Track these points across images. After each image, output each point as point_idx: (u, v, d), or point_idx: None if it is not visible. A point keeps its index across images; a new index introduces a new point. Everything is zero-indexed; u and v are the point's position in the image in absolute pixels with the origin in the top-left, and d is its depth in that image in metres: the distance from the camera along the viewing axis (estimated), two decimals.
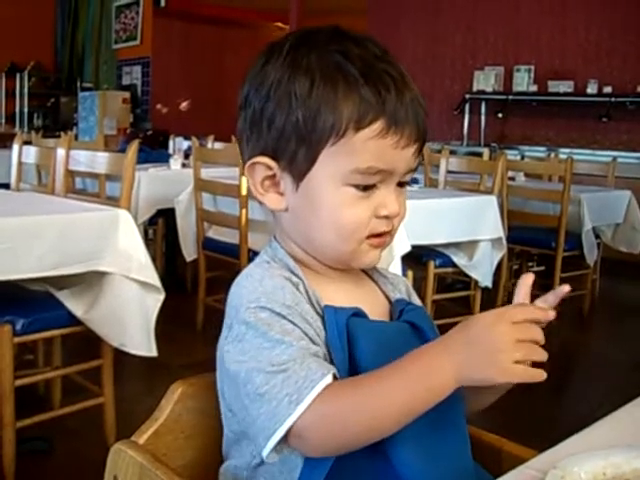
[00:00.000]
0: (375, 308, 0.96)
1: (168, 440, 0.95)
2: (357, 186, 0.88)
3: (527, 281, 0.90)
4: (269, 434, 0.79)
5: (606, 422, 0.87)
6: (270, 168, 0.91)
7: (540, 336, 0.77)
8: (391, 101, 0.84)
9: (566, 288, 0.88)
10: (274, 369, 0.80)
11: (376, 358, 0.84)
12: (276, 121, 0.88)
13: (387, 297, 1.01)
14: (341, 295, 0.94)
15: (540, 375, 0.75)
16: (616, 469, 0.73)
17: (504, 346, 0.75)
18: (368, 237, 0.90)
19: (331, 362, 0.85)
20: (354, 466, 0.84)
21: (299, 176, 0.90)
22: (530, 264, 5.21)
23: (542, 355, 0.76)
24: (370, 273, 1.03)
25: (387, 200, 0.89)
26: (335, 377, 0.81)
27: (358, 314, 0.90)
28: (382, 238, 0.92)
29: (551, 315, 0.79)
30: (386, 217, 0.90)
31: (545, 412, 3.07)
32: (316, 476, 0.83)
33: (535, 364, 0.77)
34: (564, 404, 3.21)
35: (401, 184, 0.92)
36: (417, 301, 1.06)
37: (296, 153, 0.89)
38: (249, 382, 0.81)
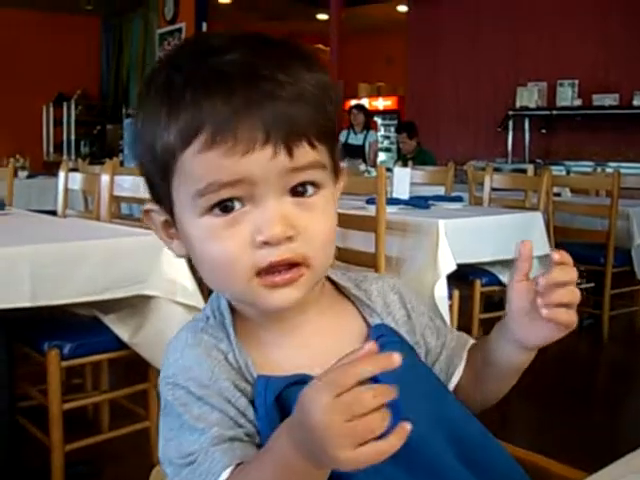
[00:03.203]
0: (344, 347, 0.70)
1: None
2: (212, 211, 0.74)
3: (526, 252, 0.78)
4: None
5: None
6: (160, 213, 0.82)
7: (372, 399, 0.58)
8: (213, 103, 0.70)
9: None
10: (182, 462, 0.75)
11: None
12: (139, 157, 0.80)
13: (366, 321, 0.87)
14: (293, 348, 0.82)
15: (390, 446, 0.58)
16: None
17: (329, 434, 0.58)
18: (259, 274, 0.74)
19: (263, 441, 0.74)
20: None
21: (172, 216, 0.80)
22: (579, 281, 5.10)
23: (381, 426, 0.58)
24: (349, 291, 0.89)
25: (262, 221, 0.72)
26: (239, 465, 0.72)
27: (299, 381, 0.75)
28: (282, 276, 0.74)
29: (389, 361, 0.59)
30: (266, 244, 0.72)
31: (598, 432, 3.00)
32: None
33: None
34: (617, 424, 3.14)
35: (300, 192, 0.74)
36: (416, 304, 0.93)
37: (158, 194, 0.80)
38: (164, 467, 0.79)
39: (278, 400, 0.75)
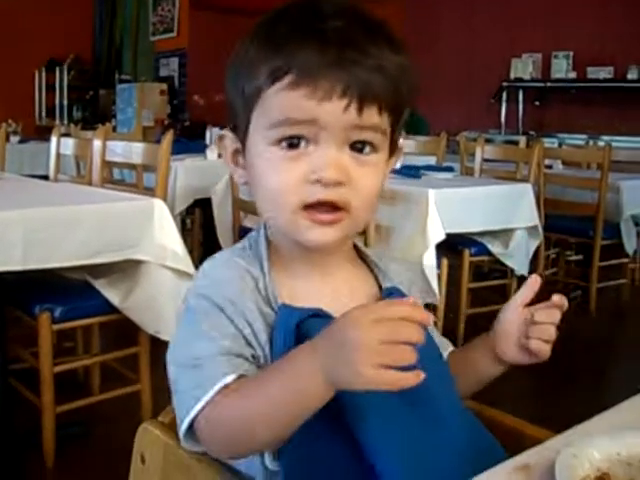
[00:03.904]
0: (359, 299, 0.91)
1: None
2: (280, 144, 0.82)
3: (533, 286, 0.95)
4: (179, 423, 0.81)
5: (626, 406, 0.87)
6: (234, 141, 0.91)
7: (413, 335, 0.67)
8: (307, 53, 0.79)
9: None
10: (187, 363, 0.81)
11: None
12: (228, 92, 0.89)
13: (380, 284, 0.96)
14: (315, 287, 0.90)
15: (407, 380, 0.67)
16: (631, 450, 0.73)
17: (362, 348, 0.67)
18: (305, 208, 0.82)
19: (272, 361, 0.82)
20: (335, 468, 0.82)
21: (243, 146, 0.89)
22: (568, 253, 5.16)
23: (410, 358, 0.67)
24: (368, 258, 0.98)
25: (320, 162, 0.81)
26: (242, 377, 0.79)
27: (319, 314, 0.83)
28: (325, 215, 0.82)
29: (426, 317, 0.69)
30: (318, 182, 0.81)
31: (583, 402, 3.05)
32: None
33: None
34: (603, 393, 3.19)
35: (358, 149, 0.83)
36: (419, 290, 1.03)
37: (237, 122, 0.89)
38: (169, 369, 0.84)
39: (297, 328, 0.82)
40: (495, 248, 3.70)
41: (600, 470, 0.70)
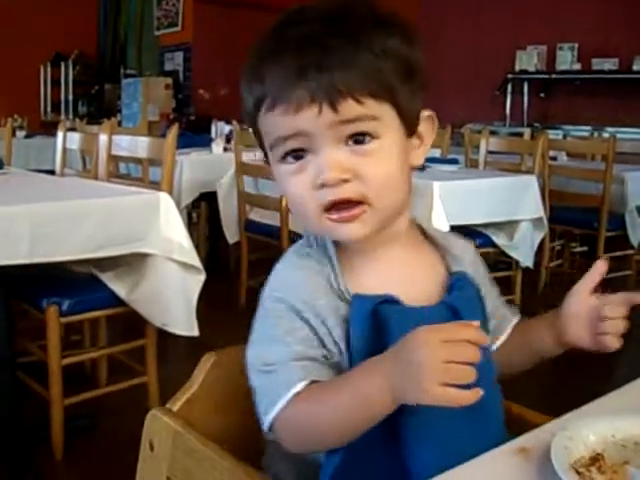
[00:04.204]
0: (426, 284, 0.95)
1: (200, 407, 0.99)
2: (286, 159, 0.87)
3: (600, 269, 0.96)
4: (261, 422, 0.87)
5: (622, 391, 0.89)
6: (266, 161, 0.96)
7: (474, 356, 0.73)
8: (273, 74, 0.84)
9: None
10: (264, 369, 0.87)
11: None
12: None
13: (448, 267, 0.98)
14: (382, 275, 0.93)
15: (468, 398, 0.72)
16: (625, 432, 0.74)
17: (428, 367, 0.72)
18: (326, 210, 0.86)
19: (348, 357, 0.87)
20: (369, 462, 0.87)
21: (267, 160, 0.94)
22: (573, 244, 5.16)
23: (470, 377, 0.72)
24: (436, 240, 1.00)
25: (320, 166, 0.84)
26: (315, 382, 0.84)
27: (389, 300, 0.88)
28: (343, 212, 0.86)
29: (485, 340, 0.76)
30: (324, 185, 0.84)
31: (588, 391, 3.05)
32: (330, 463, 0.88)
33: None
34: (608, 383, 3.19)
35: (359, 141, 0.85)
36: (481, 271, 1.05)
37: (257, 141, 0.95)
38: (249, 370, 0.89)
39: (372, 314, 0.86)
40: (500, 240, 3.71)
41: (594, 451, 0.72)
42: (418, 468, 0.84)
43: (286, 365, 0.85)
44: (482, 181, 3.63)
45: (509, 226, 3.71)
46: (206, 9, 9.35)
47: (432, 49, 8.53)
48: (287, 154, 0.87)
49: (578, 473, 0.68)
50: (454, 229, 3.20)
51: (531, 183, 3.74)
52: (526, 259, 3.75)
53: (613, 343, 0.96)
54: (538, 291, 4.53)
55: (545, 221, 3.84)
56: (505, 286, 3.97)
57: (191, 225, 4.94)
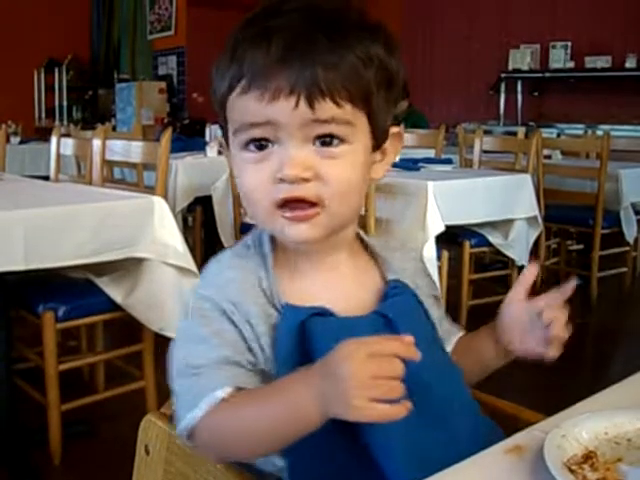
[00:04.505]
0: (362, 293, 0.93)
1: None
2: (248, 147, 0.85)
3: (531, 274, 0.95)
4: (177, 426, 0.84)
5: (615, 388, 0.89)
6: (225, 146, 0.94)
7: (399, 371, 0.71)
8: (254, 57, 0.81)
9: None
10: (188, 371, 0.84)
11: None
12: (211, 96, 0.91)
13: (384, 276, 0.96)
14: (318, 284, 0.91)
15: (396, 413, 0.70)
16: (618, 429, 0.74)
17: (354, 383, 0.70)
18: (280, 207, 0.84)
19: (275, 366, 0.85)
20: (341, 467, 0.85)
21: (227, 146, 0.92)
22: (569, 242, 5.17)
23: (397, 392, 0.70)
24: (374, 249, 0.98)
25: (282, 161, 0.82)
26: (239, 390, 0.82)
27: (322, 313, 0.86)
28: (297, 212, 0.83)
29: (415, 354, 0.72)
30: (282, 181, 0.82)
31: (583, 392, 3.06)
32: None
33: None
34: (604, 381, 3.20)
35: (326, 142, 0.83)
36: (425, 282, 1.02)
37: (223, 132, 0.92)
38: (171, 372, 0.87)
39: (301, 327, 0.84)
40: (495, 239, 3.72)
41: (587, 449, 0.72)
42: (391, 477, 0.83)
43: (211, 369, 0.82)
44: (477, 180, 3.64)
45: (504, 225, 3.72)
46: (199, 13, 9.35)
47: (425, 49, 8.56)
48: (250, 142, 0.84)
49: (571, 471, 0.68)
50: (449, 229, 3.21)
51: (525, 182, 3.74)
52: (521, 258, 3.75)
53: (551, 352, 0.92)
54: (535, 289, 4.52)
55: (540, 219, 3.84)
56: (501, 285, 3.99)
57: (187, 229, 4.93)
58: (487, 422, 0.97)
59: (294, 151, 0.82)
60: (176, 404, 0.85)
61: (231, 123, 0.87)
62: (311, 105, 0.80)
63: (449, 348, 1.03)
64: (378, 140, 0.89)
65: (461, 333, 1.07)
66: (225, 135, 0.91)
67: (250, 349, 0.85)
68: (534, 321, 0.92)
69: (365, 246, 0.99)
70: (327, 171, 0.83)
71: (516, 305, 0.95)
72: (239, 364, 0.83)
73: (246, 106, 0.82)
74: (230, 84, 0.84)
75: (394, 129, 0.92)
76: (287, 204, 0.83)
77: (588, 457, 0.70)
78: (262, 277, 0.88)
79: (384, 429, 0.80)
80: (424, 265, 1.06)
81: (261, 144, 0.84)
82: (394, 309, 0.91)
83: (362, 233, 0.99)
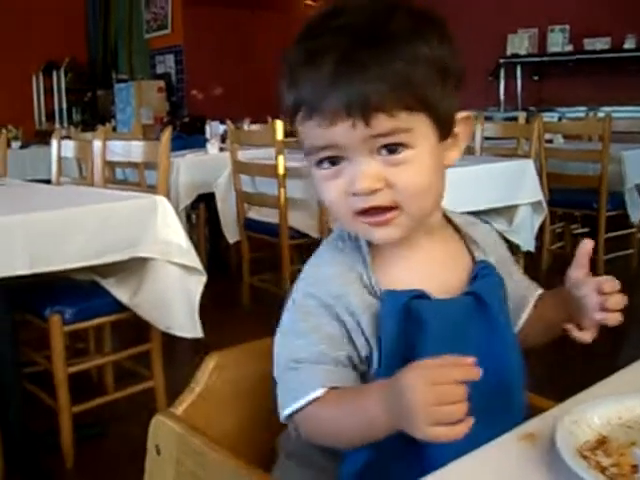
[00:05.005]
0: (453, 275, 0.97)
1: (205, 410, 0.99)
2: (322, 165, 0.89)
3: (587, 248, 0.97)
4: (280, 412, 0.91)
5: (626, 371, 0.88)
6: None
7: (462, 396, 0.73)
8: (308, 84, 0.85)
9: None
10: (288, 365, 0.91)
11: (440, 340, 0.89)
12: None
13: (473, 256, 1.01)
14: (412, 269, 0.95)
15: (458, 434, 0.73)
16: (630, 412, 0.74)
17: (417, 412, 0.74)
18: (360, 214, 0.88)
19: (378, 354, 0.89)
20: (389, 464, 0.91)
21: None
22: (573, 226, 5.15)
23: (459, 415, 0.73)
24: (460, 227, 1.02)
25: (352, 176, 0.86)
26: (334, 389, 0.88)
27: (420, 296, 0.90)
28: (376, 217, 0.88)
29: (477, 375, 0.74)
30: (355, 195, 0.86)
31: (592, 372, 3.05)
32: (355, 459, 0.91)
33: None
34: (612, 363, 3.19)
35: (392, 150, 0.86)
36: (502, 252, 1.07)
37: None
38: (274, 361, 0.94)
39: (402, 309, 0.89)
40: (500, 225, 3.70)
41: (600, 434, 0.71)
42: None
43: (309, 366, 0.89)
44: (479, 167, 3.62)
45: (508, 211, 3.70)
46: (195, 10, 9.34)
47: None
48: (322, 160, 0.89)
49: (584, 457, 0.67)
50: None
51: (528, 167, 3.73)
52: (527, 243, 3.74)
53: (615, 319, 0.96)
54: (541, 274, 4.52)
55: (544, 204, 3.83)
56: None
57: (190, 227, 4.93)
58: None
59: (362, 166, 0.86)
60: (278, 394, 0.92)
61: (303, 143, 0.91)
62: (367, 123, 0.83)
63: (527, 309, 1.07)
64: (445, 130, 0.91)
65: (540, 291, 1.10)
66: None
67: (351, 340, 0.90)
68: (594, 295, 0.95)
69: (452, 225, 1.02)
70: (396, 178, 0.86)
71: (578, 280, 0.98)
72: (335, 360, 0.89)
73: (309, 132, 0.87)
74: (293, 108, 0.89)
75: (462, 114, 0.94)
76: (366, 212, 0.87)
77: (601, 443, 0.70)
78: (361, 270, 0.92)
79: None
80: (498, 234, 1.10)
81: (333, 161, 0.88)
82: (484, 289, 0.95)
83: (448, 212, 1.02)
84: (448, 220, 1.02)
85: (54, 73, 10.25)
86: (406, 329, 0.89)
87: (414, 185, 0.87)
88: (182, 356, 3.23)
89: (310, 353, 0.89)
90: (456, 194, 3.43)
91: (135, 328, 2.59)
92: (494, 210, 3.67)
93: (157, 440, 0.95)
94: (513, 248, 3.88)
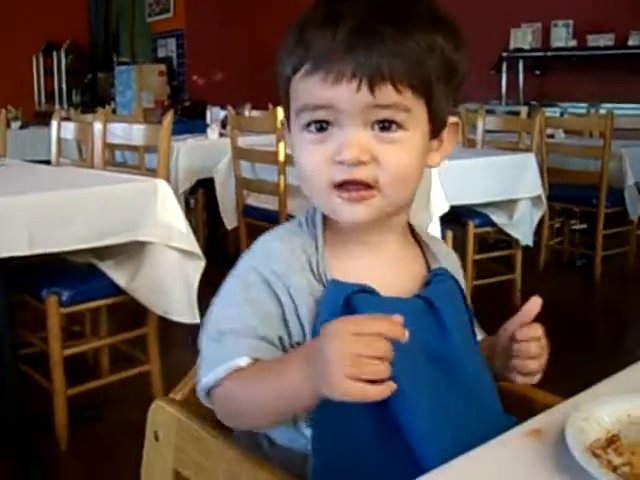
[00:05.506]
0: (406, 277, 0.95)
1: None
2: (309, 128, 0.87)
3: (532, 309, 0.92)
4: (197, 385, 0.89)
5: (634, 368, 0.88)
6: (286, 125, 0.96)
7: (386, 352, 0.70)
8: (320, 41, 0.83)
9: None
10: (215, 335, 0.87)
11: None
12: (274, 76, 0.93)
13: (428, 264, 0.99)
14: (365, 265, 0.93)
15: (379, 392, 0.70)
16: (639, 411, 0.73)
17: (336, 360, 0.70)
18: (336, 187, 0.86)
19: (312, 336, 0.86)
20: (368, 445, 0.86)
21: (288, 126, 0.94)
22: (572, 222, 5.15)
23: (382, 372, 0.70)
24: (421, 238, 1.00)
25: (342, 143, 0.84)
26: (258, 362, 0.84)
27: (366, 290, 0.87)
28: (354, 192, 0.85)
29: (403, 334, 0.71)
30: (342, 162, 0.84)
31: (591, 368, 3.06)
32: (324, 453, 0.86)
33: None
34: (611, 360, 3.20)
35: (385, 127, 0.85)
36: (461, 282, 1.04)
37: (282, 104, 0.94)
38: (202, 331, 0.91)
39: (344, 302, 0.86)
40: (499, 219, 3.70)
41: (610, 432, 0.71)
42: (422, 453, 0.83)
43: (236, 337, 0.85)
44: (480, 160, 3.62)
45: (508, 205, 3.70)
46: None
47: None
48: (311, 123, 0.86)
49: (595, 455, 0.66)
50: (453, 209, 3.19)
51: (529, 161, 3.72)
52: (526, 238, 3.74)
53: (525, 365, 0.93)
54: (538, 269, 4.52)
55: (544, 199, 3.82)
56: (505, 265, 3.98)
57: (189, 211, 4.92)
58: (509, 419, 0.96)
59: (353, 134, 0.84)
60: (200, 363, 0.89)
61: (293, 104, 0.89)
62: (372, 90, 0.81)
63: None
64: (436, 128, 0.91)
65: (481, 336, 1.07)
66: (287, 115, 0.93)
67: (285, 321, 0.87)
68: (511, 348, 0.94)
69: (413, 233, 1.01)
70: (384, 155, 0.84)
71: (508, 332, 0.95)
72: (264, 338, 0.86)
73: (309, 88, 0.85)
74: (295, 66, 0.86)
75: (452, 119, 0.94)
76: (344, 185, 0.85)
77: (612, 441, 0.69)
78: (311, 254, 0.90)
79: (413, 403, 0.83)
80: (460, 265, 1.08)
81: (322, 126, 0.86)
82: (437, 294, 0.92)
83: (413, 223, 1.01)
84: (410, 228, 1.01)
85: (54, 54, 10.21)
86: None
87: (400, 165, 0.85)
88: (179, 341, 3.22)
89: (240, 325, 0.86)
90: (456, 186, 3.45)
91: (132, 312, 2.58)
92: (494, 203, 3.67)
93: (156, 426, 0.94)
94: (512, 242, 3.88)
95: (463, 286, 1.03)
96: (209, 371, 0.85)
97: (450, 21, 0.89)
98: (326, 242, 0.92)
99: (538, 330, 0.92)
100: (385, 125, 0.84)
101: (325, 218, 0.93)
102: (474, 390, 0.91)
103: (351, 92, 0.82)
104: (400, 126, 0.85)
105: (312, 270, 0.89)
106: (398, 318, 0.72)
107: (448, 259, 1.02)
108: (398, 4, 0.86)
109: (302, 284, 0.88)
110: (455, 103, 0.93)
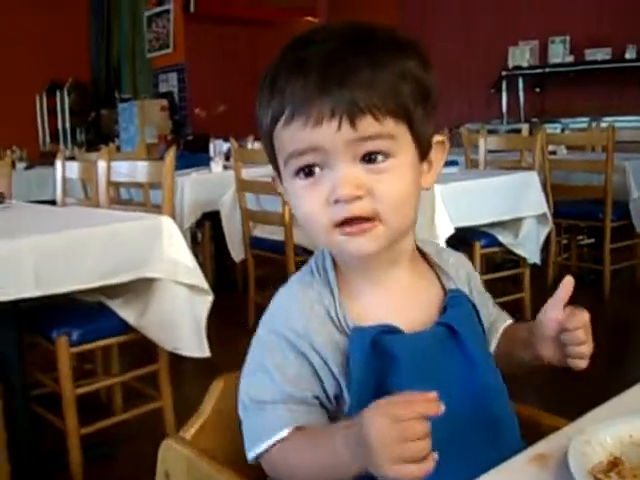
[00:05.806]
0: (424, 306, 0.96)
1: (213, 433, 0.99)
2: (299, 175, 0.88)
3: (568, 286, 0.92)
4: (246, 454, 0.90)
5: (637, 389, 0.88)
6: (276, 177, 0.97)
7: (424, 433, 0.72)
8: (293, 88, 0.84)
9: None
10: (253, 405, 0.89)
11: (412, 375, 0.87)
12: (258, 130, 0.94)
13: (443, 286, 1.00)
14: (382, 302, 0.94)
15: (423, 470, 0.72)
16: None
17: (380, 451, 0.72)
18: (339, 226, 0.87)
19: (348, 391, 0.88)
20: None
21: (279, 176, 0.95)
22: (579, 237, 5.14)
23: (422, 451, 0.72)
24: (430, 257, 1.01)
25: (335, 183, 0.85)
26: (299, 428, 0.87)
27: (389, 330, 0.89)
28: (356, 226, 0.86)
29: (439, 409, 0.72)
30: (338, 201, 0.85)
31: (598, 386, 3.03)
32: None
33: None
34: (621, 375, 3.17)
35: (372, 159, 0.86)
36: (478, 284, 1.06)
37: (269, 156, 0.95)
38: (239, 400, 0.92)
39: (371, 346, 0.87)
40: (505, 238, 3.70)
41: (613, 455, 0.71)
42: None
43: (273, 407, 0.87)
44: (483, 181, 3.63)
45: (514, 224, 3.71)
46: (197, 29, 9.38)
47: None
48: (301, 169, 0.87)
49: (597, 479, 0.67)
50: (459, 231, 3.20)
51: (532, 179, 3.73)
52: (533, 256, 3.74)
53: (576, 364, 0.93)
54: (547, 287, 4.51)
55: (549, 216, 3.83)
56: (514, 284, 3.96)
57: (196, 245, 4.93)
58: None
59: (344, 171, 0.85)
60: (244, 434, 0.90)
61: (280, 154, 0.90)
62: (353, 124, 0.83)
63: (494, 341, 1.06)
64: (422, 150, 0.92)
65: (509, 321, 1.09)
66: (276, 168, 0.94)
67: (319, 377, 0.89)
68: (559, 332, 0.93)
69: (423, 255, 1.02)
70: (378, 187, 0.85)
71: (549, 314, 0.94)
72: (301, 400, 0.88)
73: (292, 135, 0.86)
74: (274, 116, 0.87)
75: (437, 137, 0.96)
76: (345, 223, 0.86)
77: (614, 464, 0.69)
78: (329, 305, 0.91)
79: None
80: (472, 265, 1.09)
81: (310, 170, 0.87)
82: (456, 319, 0.94)
83: (419, 243, 1.02)
84: (419, 249, 1.01)
85: (57, 93, 10.28)
86: (376, 366, 0.87)
87: (395, 194, 0.86)
88: (190, 376, 3.22)
89: (274, 393, 0.88)
90: (461, 208, 3.45)
91: (142, 348, 2.58)
92: (499, 223, 3.67)
93: (166, 465, 0.95)
94: (520, 261, 3.88)
95: (479, 284, 1.06)
96: (252, 445, 0.88)
97: (415, 44, 0.90)
98: (339, 286, 0.93)
99: (585, 317, 0.92)
100: (372, 157, 0.85)
101: (335, 262, 0.95)
102: (494, 415, 0.93)
103: (333, 130, 0.83)
104: (387, 155, 0.86)
105: (332, 320, 0.90)
106: (433, 395, 0.73)
107: (460, 270, 1.04)
108: (361, 37, 0.87)
109: (325, 339, 0.89)
110: (435, 121, 0.94)
